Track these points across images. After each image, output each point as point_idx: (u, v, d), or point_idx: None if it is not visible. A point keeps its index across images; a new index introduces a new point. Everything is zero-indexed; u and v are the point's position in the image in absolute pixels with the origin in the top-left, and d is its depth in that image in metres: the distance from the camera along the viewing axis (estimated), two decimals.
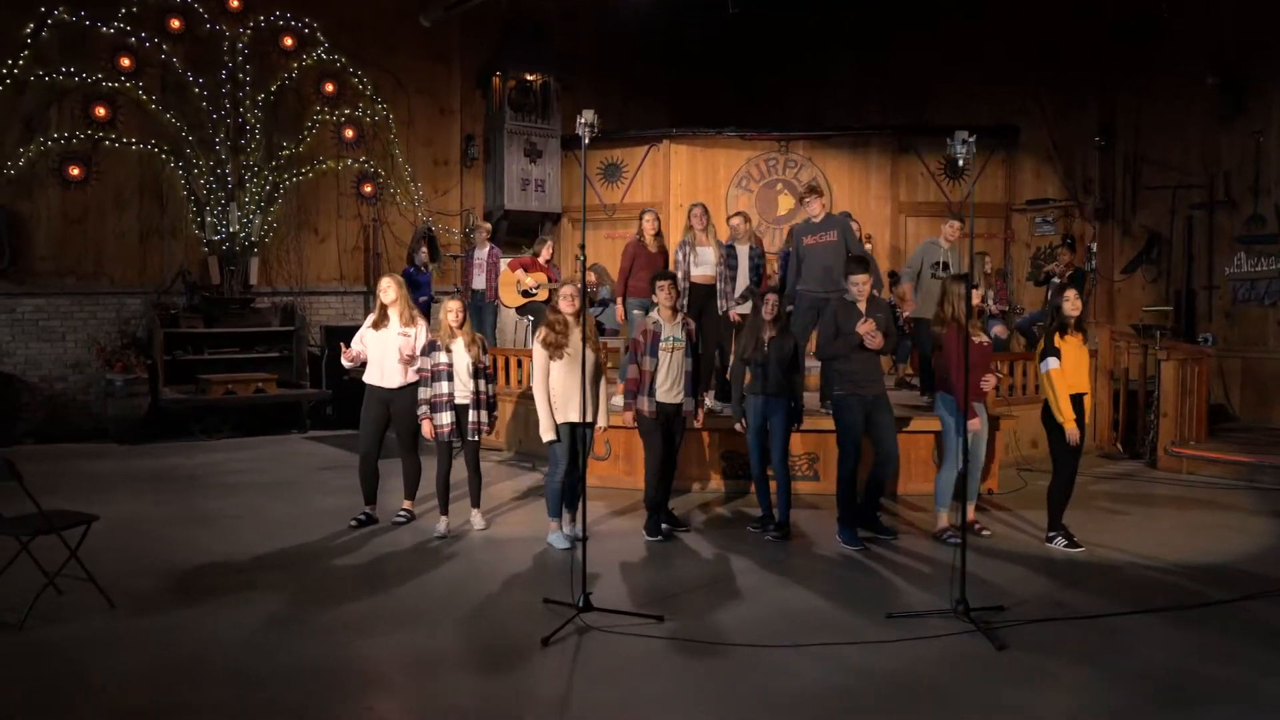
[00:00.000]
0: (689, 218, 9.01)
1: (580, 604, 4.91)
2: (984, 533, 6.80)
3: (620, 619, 4.89)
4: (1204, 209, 11.74)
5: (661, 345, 6.56)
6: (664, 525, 6.78)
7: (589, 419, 6.09)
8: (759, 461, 6.90)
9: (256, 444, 10.60)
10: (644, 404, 6.53)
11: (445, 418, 6.55)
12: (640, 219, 9.54)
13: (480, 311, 11.86)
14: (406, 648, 4.61)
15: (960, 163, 5.62)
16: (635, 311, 9.02)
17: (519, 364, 10.11)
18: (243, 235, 11.48)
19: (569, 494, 6.52)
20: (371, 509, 7.07)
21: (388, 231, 12.81)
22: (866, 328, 6.38)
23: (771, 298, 6.83)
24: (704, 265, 8.69)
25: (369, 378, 6.98)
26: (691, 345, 6.68)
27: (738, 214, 9.93)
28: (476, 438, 6.68)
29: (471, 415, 6.60)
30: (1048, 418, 6.52)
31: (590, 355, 6.01)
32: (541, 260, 10.76)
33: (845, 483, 6.58)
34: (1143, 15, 11.88)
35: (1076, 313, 6.63)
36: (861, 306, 6.65)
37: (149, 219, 11.24)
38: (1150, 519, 7.39)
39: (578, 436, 6.23)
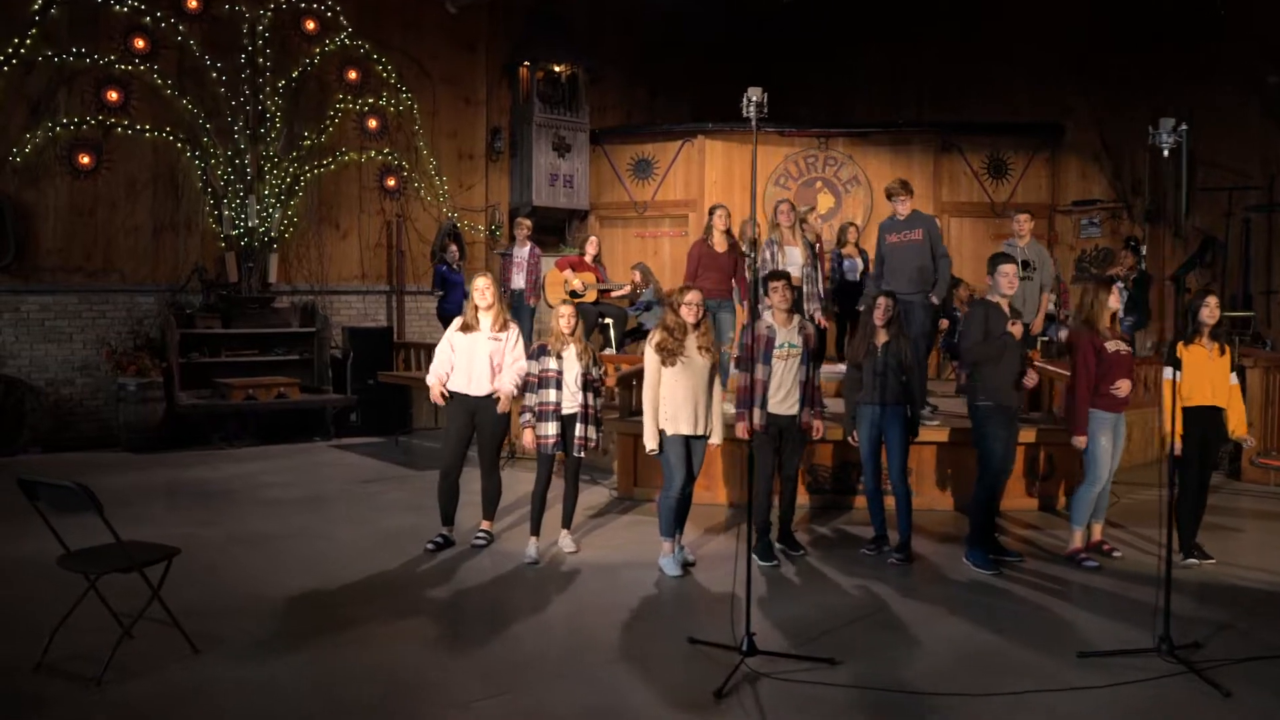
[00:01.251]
0: (776, 214, 8.50)
1: (744, 647, 4.34)
2: (1115, 554, 6.31)
3: (788, 664, 4.32)
4: (1262, 211, 11.39)
5: (776, 352, 6.06)
6: (779, 547, 6.29)
7: (703, 431, 5.84)
8: (874, 475, 6.40)
9: (282, 453, 9.91)
10: (756, 416, 5.98)
11: (550, 428, 6.08)
12: (710, 215, 9.00)
13: (518, 313, 11.28)
14: (568, 705, 3.99)
15: (1165, 153, 5.01)
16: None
17: None
18: (262, 230, 10.78)
19: (681, 512, 6.00)
20: (449, 531, 6.49)
21: (410, 228, 12.16)
22: (1017, 329, 5.89)
23: (884, 300, 6.37)
24: (792, 266, 8.18)
25: (454, 384, 6.39)
26: (809, 352, 6.16)
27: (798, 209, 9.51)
28: (581, 454, 6.21)
29: (578, 429, 6.13)
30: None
31: (706, 363, 5.83)
32: (588, 258, 10.19)
33: (982, 503, 6.09)
34: (1199, 11, 11.51)
35: (1213, 320, 6.23)
36: (1005, 306, 6.16)
37: (163, 211, 10.50)
38: (1273, 534, 6.97)
39: (692, 450, 5.86)
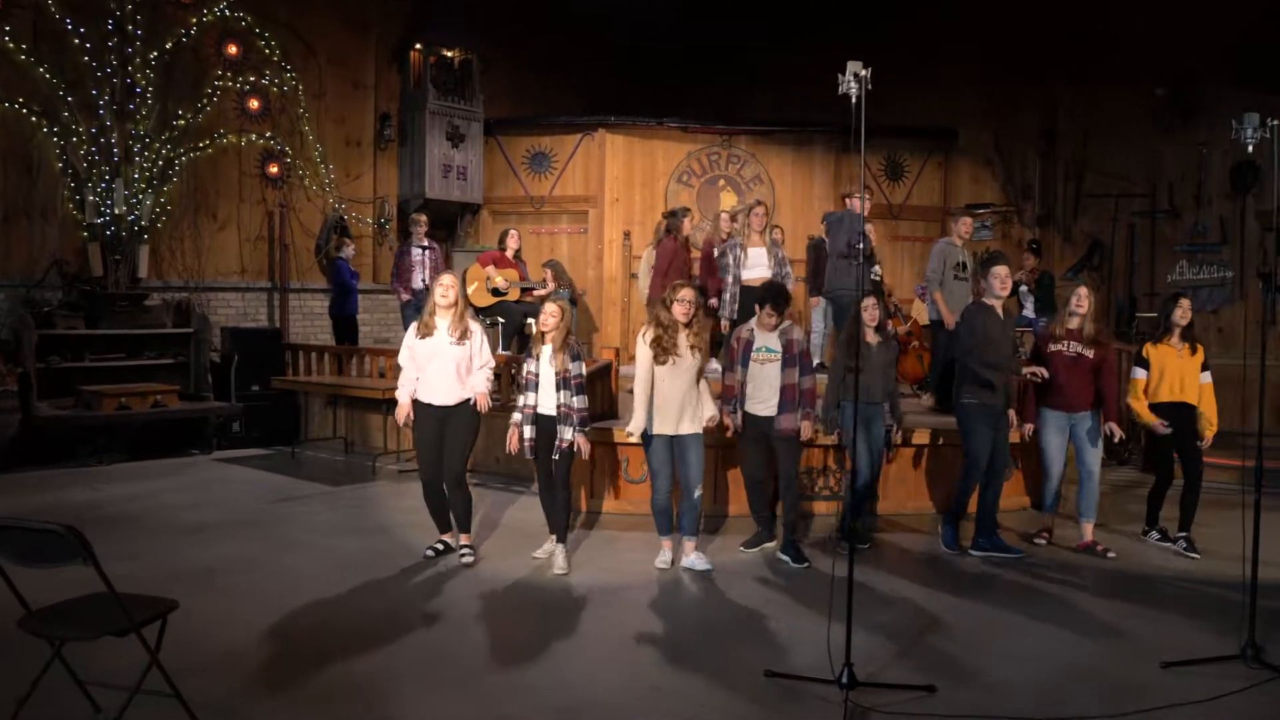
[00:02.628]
0: (749, 215, 8.25)
1: (844, 679, 3.92)
2: (1109, 555, 6.33)
3: (888, 695, 3.93)
4: (1146, 217, 11.91)
5: (754, 356, 6.16)
6: (782, 558, 6.15)
7: (689, 429, 5.91)
8: (868, 471, 6.45)
9: (164, 470, 8.80)
10: (733, 416, 6.19)
11: (527, 431, 5.94)
12: (682, 217, 8.82)
13: (419, 313, 10.57)
14: None
15: (1250, 148, 4.92)
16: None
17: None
18: (130, 219, 9.56)
19: (690, 514, 5.97)
20: (449, 537, 6.18)
21: (294, 219, 11.12)
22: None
23: (871, 301, 6.40)
24: (757, 267, 8.05)
25: (423, 393, 5.99)
26: (794, 357, 6.11)
27: (724, 211, 9.54)
28: (557, 455, 5.88)
29: (559, 431, 5.86)
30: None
31: (696, 362, 5.89)
32: (509, 254, 9.56)
33: (963, 496, 6.41)
34: (1090, 24, 11.93)
35: (1185, 321, 6.45)
36: (999, 309, 6.34)
37: (15, 195, 9.14)
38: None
39: (678, 449, 5.91)
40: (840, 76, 4.04)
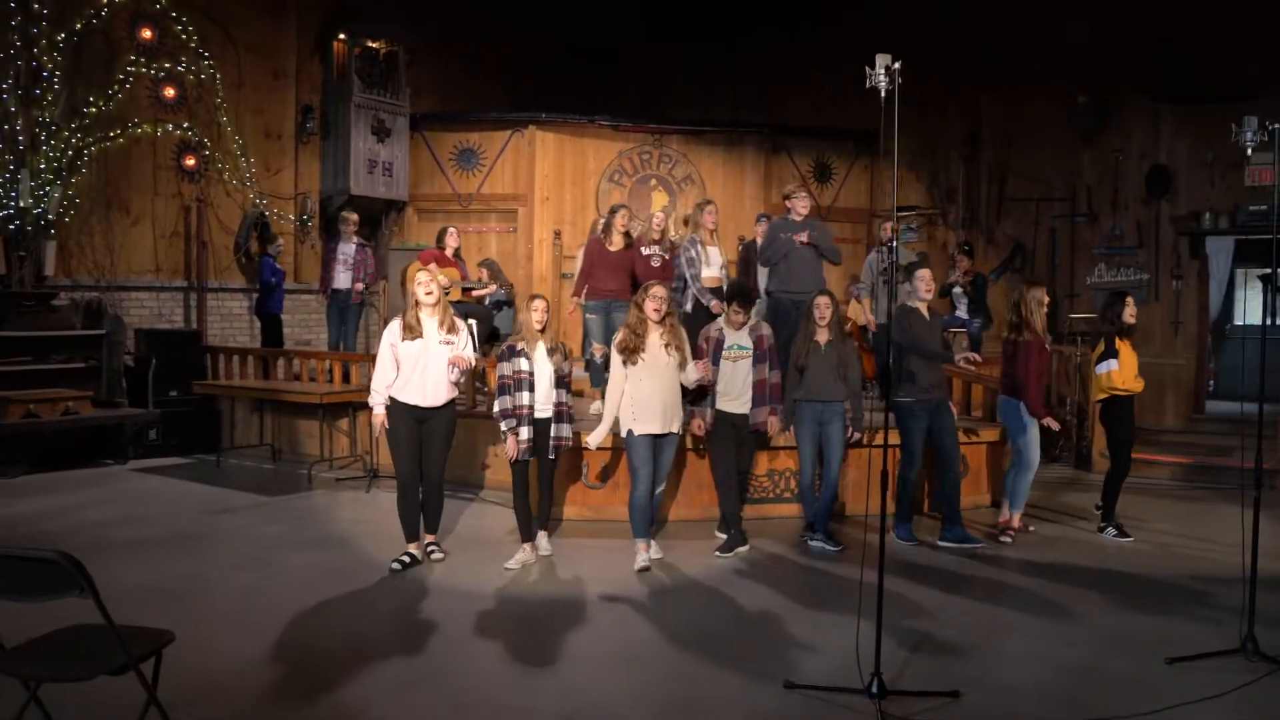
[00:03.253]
0: (702, 215, 8.16)
1: (874, 689, 3.81)
2: (1030, 529, 6.98)
3: (915, 703, 3.84)
4: (1066, 221, 12.25)
5: (725, 354, 6.24)
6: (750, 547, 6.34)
7: (673, 429, 5.94)
8: (811, 470, 6.55)
9: (79, 481, 8.22)
10: (704, 415, 6.23)
11: (525, 432, 5.80)
12: (612, 215, 8.61)
13: (343, 313, 10.19)
14: None
15: (1250, 151, 4.97)
16: (590, 316, 8.27)
17: None
18: (36, 212, 8.89)
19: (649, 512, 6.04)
20: (416, 549, 5.93)
21: (212, 215, 10.55)
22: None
23: (824, 299, 6.48)
24: (714, 266, 7.95)
25: (407, 395, 5.76)
26: (764, 353, 6.26)
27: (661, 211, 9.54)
28: (554, 456, 5.99)
29: (553, 430, 5.91)
30: (1106, 414, 6.99)
31: (672, 361, 5.86)
32: (449, 252, 9.25)
33: (906, 486, 6.61)
34: (1013, 33, 12.21)
35: (1134, 320, 6.92)
36: (924, 310, 6.62)
37: None
38: (1173, 514, 7.37)
39: (658, 449, 5.93)
40: (868, 70, 3.87)
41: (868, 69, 3.92)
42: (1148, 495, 8.26)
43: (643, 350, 5.78)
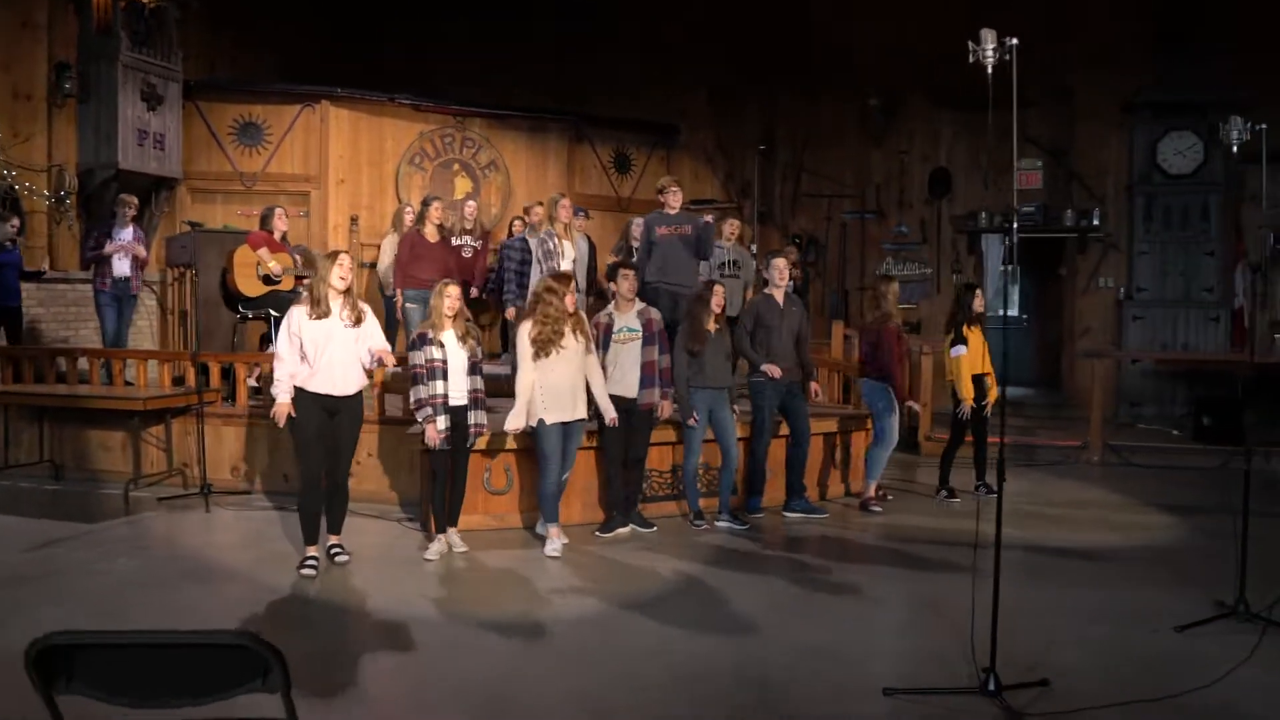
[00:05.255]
0: (556, 209, 7.92)
1: (991, 685, 3.65)
2: (888, 497, 7.67)
3: (1014, 695, 3.72)
4: (856, 217, 12.87)
5: (615, 337, 6.37)
6: (632, 527, 6.48)
7: (580, 415, 6.04)
8: (698, 455, 6.78)
9: None
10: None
11: (441, 422, 5.73)
12: (426, 206, 8.48)
13: (119, 304, 8.86)
14: None
15: (1234, 148, 5.17)
16: (410, 306, 8.18)
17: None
18: None
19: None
20: (317, 550, 5.56)
21: None
22: (774, 370, 6.90)
23: (720, 288, 6.74)
24: (570, 260, 7.78)
25: (316, 384, 5.42)
26: (653, 335, 6.41)
27: (539, 203, 9.03)
28: (472, 444, 5.98)
29: (471, 417, 5.85)
30: (953, 393, 7.67)
31: (581, 347, 5.97)
32: (277, 236, 8.20)
33: (757, 459, 6.96)
34: (809, 34, 12.67)
35: (980, 309, 7.69)
36: (779, 297, 7.03)
37: None
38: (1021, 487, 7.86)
39: (568, 435, 6.03)
40: (971, 45, 3.68)
41: (971, 44, 3.70)
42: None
43: (559, 342, 5.85)
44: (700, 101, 13.23)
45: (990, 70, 3.71)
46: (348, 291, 5.47)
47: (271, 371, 5.67)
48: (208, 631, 1.92)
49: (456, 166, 11.81)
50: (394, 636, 4.46)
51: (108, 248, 8.54)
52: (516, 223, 10.06)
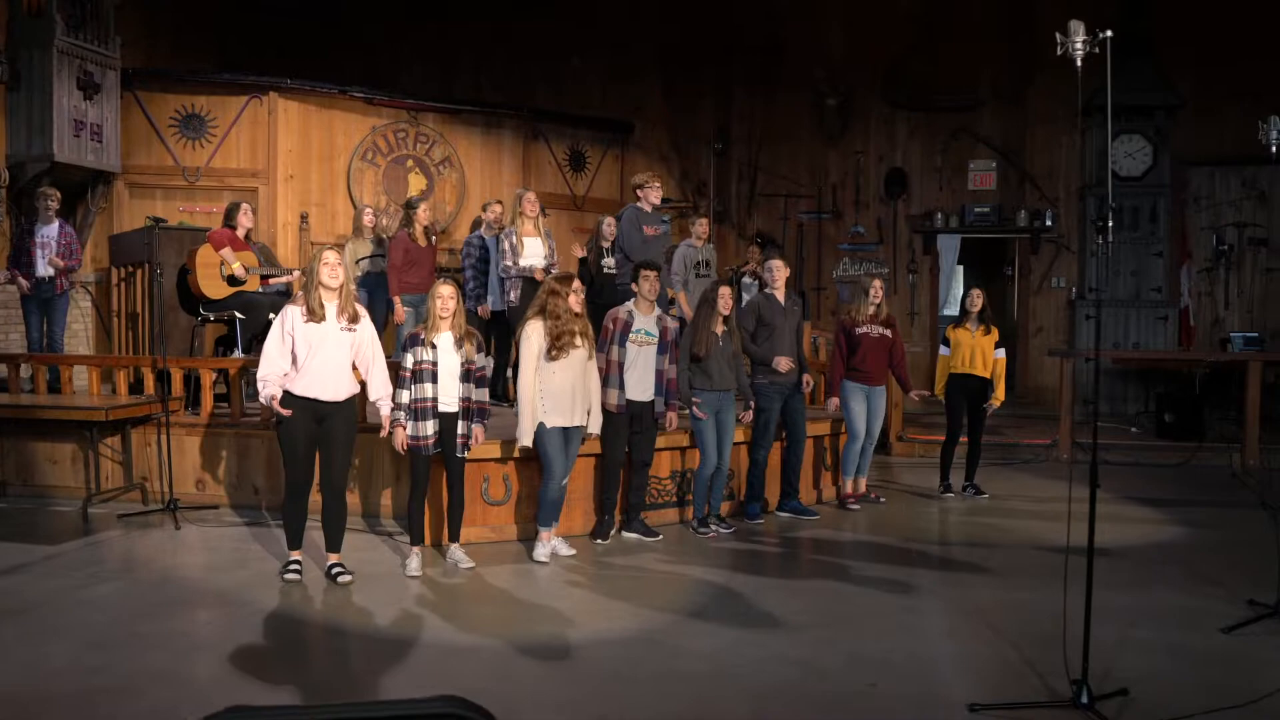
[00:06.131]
0: (521, 204, 7.81)
1: (1084, 698, 3.53)
2: (880, 500, 7.61)
3: (1108, 705, 3.61)
4: (813, 217, 12.84)
5: (632, 337, 6.17)
6: (626, 533, 6.37)
7: (581, 421, 5.84)
8: (713, 461, 6.54)
9: None
10: (611, 397, 6.10)
11: (429, 427, 5.43)
12: (413, 210, 8.30)
13: (47, 307, 8.41)
14: None
15: (1274, 149, 5.14)
16: (407, 309, 8.13)
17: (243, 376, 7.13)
18: None
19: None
20: (300, 554, 5.37)
21: None
22: (783, 364, 6.84)
23: (726, 290, 6.60)
24: (534, 257, 7.75)
25: (305, 389, 5.17)
26: (666, 344, 6.30)
27: (498, 201, 9.05)
28: (463, 454, 5.59)
29: (460, 427, 5.52)
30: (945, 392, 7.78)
31: (585, 352, 5.80)
32: (240, 234, 7.74)
33: (759, 465, 6.91)
34: (765, 36, 12.59)
35: (975, 308, 7.70)
36: (780, 296, 6.98)
37: None
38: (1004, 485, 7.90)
39: (569, 440, 5.84)
40: (1059, 37, 3.56)
41: (1059, 36, 3.57)
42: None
43: (574, 343, 5.69)
44: (655, 98, 13.05)
45: (1079, 63, 3.57)
46: (341, 289, 5.20)
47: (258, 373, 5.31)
48: (404, 701, 1.64)
49: (410, 163, 11.40)
50: (421, 664, 4.16)
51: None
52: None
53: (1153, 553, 6.21)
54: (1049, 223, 12.07)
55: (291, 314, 5.19)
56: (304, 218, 10.71)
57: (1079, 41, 3.55)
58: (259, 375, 5.18)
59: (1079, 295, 12.01)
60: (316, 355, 5.12)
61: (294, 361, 5.17)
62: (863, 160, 12.67)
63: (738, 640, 4.44)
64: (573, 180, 12.60)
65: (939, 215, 12.33)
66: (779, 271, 7.05)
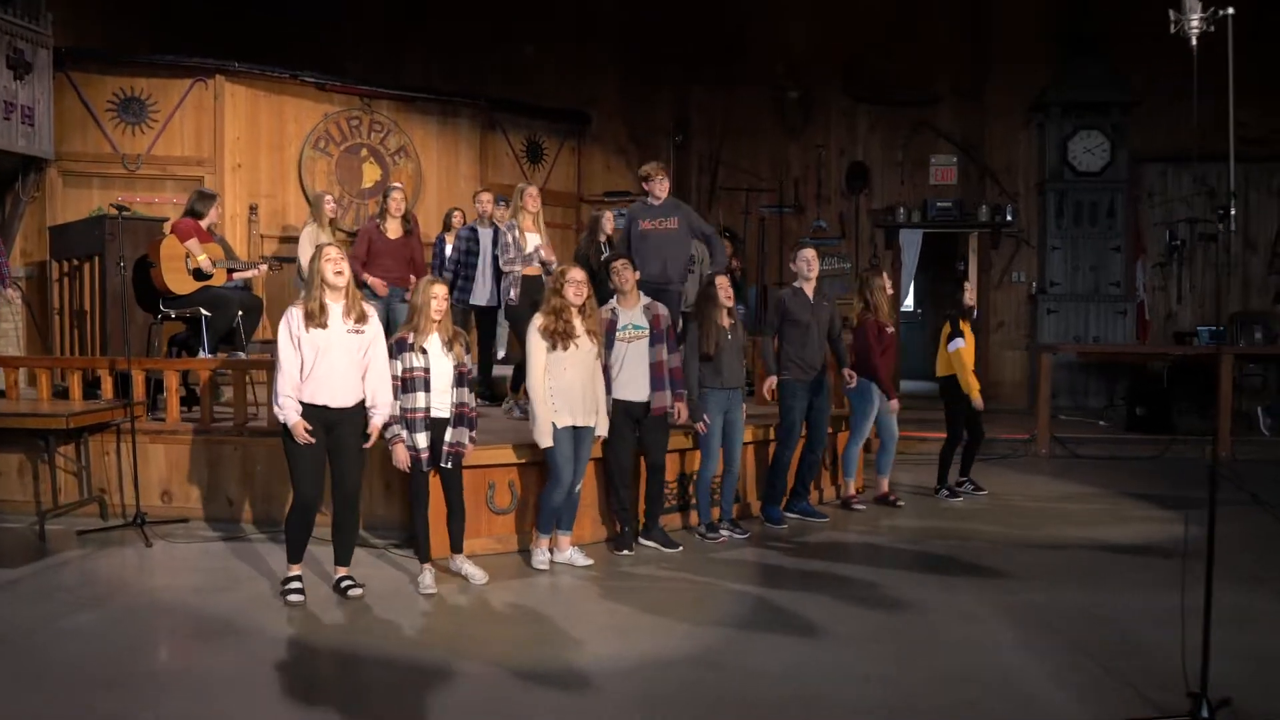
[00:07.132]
0: (523, 199, 7.42)
1: (1205, 713, 3.35)
2: (899, 503, 7.32)
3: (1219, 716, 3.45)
4: (775, 211, 12.66)
5: (619, 335, 5.80)
6: (649, 544, 6.01)
7: (592, 421, 5.55)
8: (716, 462, 6.27)
9: None
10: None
11: (421, 439, 5.08)
12: (385, 197, 7.79)
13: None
14: None
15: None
16: (373, 304, 7.24)
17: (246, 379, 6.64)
18: None
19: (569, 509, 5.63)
20: (299, 568, 5.00)
21: None
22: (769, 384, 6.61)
23: (723, 280, 6.23)
24: (520, 254, 7.31)
25: (312, 396, 4.82)
26: (660, 334, 5.88)
27: (486, 190, 8.88)
28: (450, 464, 5.16)
29: (449, 434, 5.14)
30: (944, 389, 7.58)
31: (594, 348, 5.51)
32: (205, 224, 7.20)
33: (783, 465, 6.61)
34: (725, 28, 12.36)
35: (973, 303, 7.70)
36: (809, 291, 6.61)
37: None
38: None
39: (580, 442, 5.53)
40: (1173, 14, 3.35)
41: (1172, 12, 3.35)
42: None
43: (573, 335, 5.38)
44: (612, 90, 12.72)
45: (1194, 42, 3.37)
46: (346, 290, 4.87)
47: (274, 386, 4.87)
48: None
49: (364, 152, 10.87)
50: (478, 699, 3.80)
51: None
52: (456, 214, 9.34)
53: (1174, 550, 6.13)
54: (1009, 218, 12.10)
55: (295, 317, 4.80)
56: (253, 209, 10.12)
57: (1195, 19, 3.35)
58: (278, 392, 4.77)
59: (1039, 290, 12.08)
60: (324, 360, 4.78)
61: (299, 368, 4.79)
62: (824, 154, 12.54)
63: (804, 658, 4.17)
64: (530, 172, 12.19)
65: (901, 210, 12.27)
66: (813, 263, 6.62)
